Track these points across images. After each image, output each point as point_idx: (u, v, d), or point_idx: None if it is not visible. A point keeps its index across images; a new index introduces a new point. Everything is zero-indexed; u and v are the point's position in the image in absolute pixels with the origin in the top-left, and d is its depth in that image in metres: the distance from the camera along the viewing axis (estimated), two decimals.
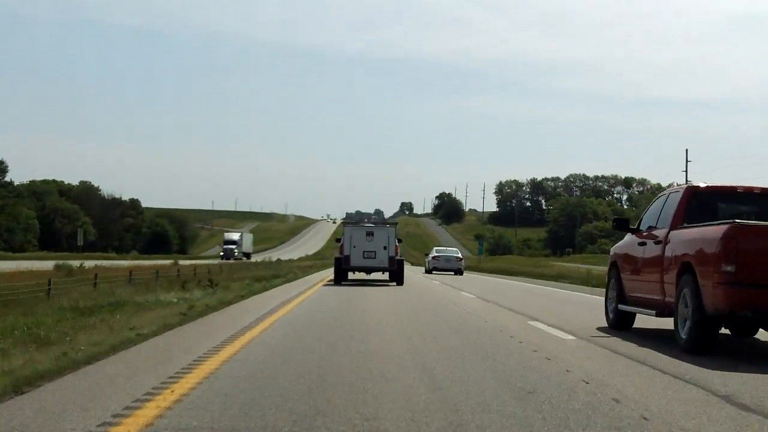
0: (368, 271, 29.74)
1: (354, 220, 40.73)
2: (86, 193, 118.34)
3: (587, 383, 7.11)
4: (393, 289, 25.93)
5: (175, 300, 16.33)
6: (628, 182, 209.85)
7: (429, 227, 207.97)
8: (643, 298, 11.58)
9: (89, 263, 38.67)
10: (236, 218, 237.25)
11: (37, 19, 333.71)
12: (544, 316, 14.84)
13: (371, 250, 28.86)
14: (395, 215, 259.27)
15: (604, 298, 13.49)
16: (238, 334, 10.54)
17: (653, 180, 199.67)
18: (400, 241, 30.45)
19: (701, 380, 7.48)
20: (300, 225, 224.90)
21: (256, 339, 10.14)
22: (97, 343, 8.93)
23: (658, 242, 11.13)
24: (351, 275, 30.36)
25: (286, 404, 5.95)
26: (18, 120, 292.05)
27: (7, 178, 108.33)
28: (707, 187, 11.27)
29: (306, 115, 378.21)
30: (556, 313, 15.83)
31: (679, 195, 11.23)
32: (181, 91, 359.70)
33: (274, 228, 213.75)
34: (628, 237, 12.67)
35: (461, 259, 49.95)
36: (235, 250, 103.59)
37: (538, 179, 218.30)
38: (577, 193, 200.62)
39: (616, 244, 13.39)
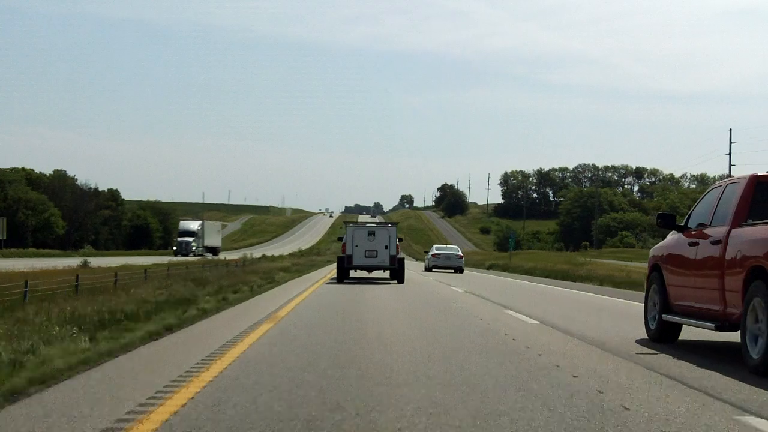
0: (370, 269, 30.23)
1: (355, 220, 40.89)
2: (59, 183, 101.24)
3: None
4: (394, 287, 24.61)
5: None
6: (639, 172, 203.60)
7: (431, 220, 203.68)
8: (694, 307, 9.78)
9: None
10: (228, 211, 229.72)
11: (22, 8, 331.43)
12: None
13: (373, 249, 29.37)
14: (395, 208, 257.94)
15: (643, 306, 11.58)
16: None
17: (665, 171, 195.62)
18: (401, 240, 30.92)
19: None
20: (296, 219, 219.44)
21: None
22: None
23: (715, 242, 9.28)
24: (353, 273, 31.02)
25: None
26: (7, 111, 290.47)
27: None
28: None
29: (304, 107, 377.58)
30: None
31: (741, 186, 9.30)
32: (174, 82, 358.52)
33: (268, 221, 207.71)
34: (673, 236, 10.80)
35: (462, 257, 48.28)
36: (193, 244, 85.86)
37: (545, 170, 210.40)
38: (587, 184, 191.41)
39: (658, 244, 11.52)
